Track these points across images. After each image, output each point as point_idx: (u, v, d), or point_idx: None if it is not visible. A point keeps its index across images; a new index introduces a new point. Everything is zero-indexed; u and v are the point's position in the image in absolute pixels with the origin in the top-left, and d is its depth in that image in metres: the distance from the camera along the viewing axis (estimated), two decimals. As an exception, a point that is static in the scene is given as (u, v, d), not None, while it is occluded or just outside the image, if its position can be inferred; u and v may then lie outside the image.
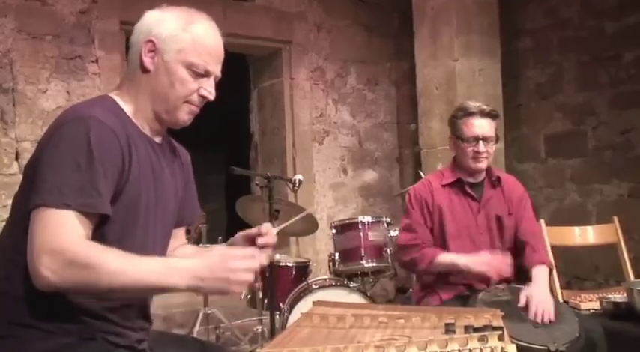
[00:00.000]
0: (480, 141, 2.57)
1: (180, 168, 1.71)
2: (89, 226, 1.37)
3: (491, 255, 2.47)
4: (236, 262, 1.38)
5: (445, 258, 2.53)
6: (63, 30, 4.20)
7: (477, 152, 2.57)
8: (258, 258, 1.43)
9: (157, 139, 1.60)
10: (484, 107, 2.65)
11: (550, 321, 2.20)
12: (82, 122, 1.39)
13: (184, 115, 1.56)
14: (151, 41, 1.51)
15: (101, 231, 1.41)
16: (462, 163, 2.66)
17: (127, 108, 1.54)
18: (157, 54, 1.52)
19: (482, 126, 2.58)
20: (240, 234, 1.71)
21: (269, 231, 1.65)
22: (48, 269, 1.28)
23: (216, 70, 1.57)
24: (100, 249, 1.33)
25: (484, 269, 2.43)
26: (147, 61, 1.52)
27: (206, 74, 1.54)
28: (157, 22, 1.54)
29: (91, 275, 1.30)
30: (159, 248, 1.60)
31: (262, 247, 1.63)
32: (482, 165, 2.62)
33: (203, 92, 1.54)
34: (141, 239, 1.50)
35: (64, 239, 1.31)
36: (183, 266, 1.37)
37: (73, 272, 1.29)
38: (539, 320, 2.22)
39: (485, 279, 2.54)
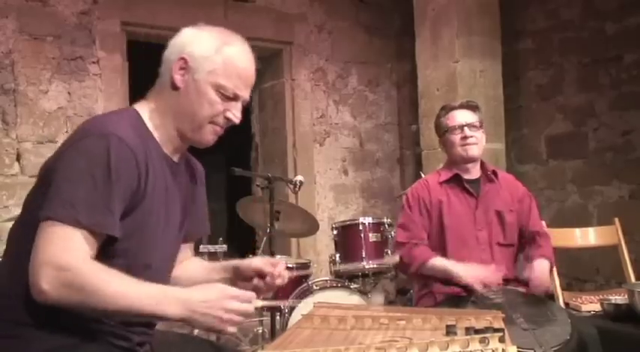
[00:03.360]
0: (465, 127, 2.64)
1: (193, 183, 1.71)
2: (95, 245, 1.37)
3: (483, 269, 2.46)
4: (233, 303, 1.38)
5: (438, 262, 2.53)
6: (64, 31, 4.21)
7: (464, 137, 2.64)
8: (254, 303, 1.43)
9: (175, 158, 1.60)
10: (462, 101, 2.80)
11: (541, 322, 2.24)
12: (103, 139, 1.38)
13: (209, 135, 1.56)
14: (183, 59, 1.51)
15: (110, 248, 1.41)
16: (454, 157, 2.70)
17: (151, 123, 1.54)
18: (187, 72, 1.51)
19: (463, 115, 2.68)
20: (254, 265, 1.68)
21: (282, 275, 1.65)
22: (47, 284, 1.29)
23: (245, 94, 1.57)
24: (100, 272, 1.33)
25: (473, 282, 2.42)
26: (177, 78, 1.52)
27: (234, 98, 1.54)
28: (191, 41, 1.54)
29: (88, 297, 1.31)
30: (167, 265, 1.61)
31: (267, 285, 1.64)
32: (474, 151, 2.65)
33: (229, 115, 1.54)
34: (149, 256, 1.51)
35: (69, 257, 1.31)
36: (180, 296, 1.37)
37: (71, 292, 1.30)
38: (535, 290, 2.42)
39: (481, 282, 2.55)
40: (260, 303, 1.49)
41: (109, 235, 1.39)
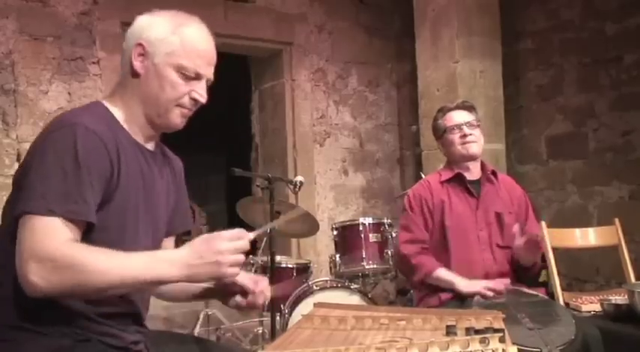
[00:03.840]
0: (464, 126, 2.66)
1: (173, 176, 1.70)
2: (77, 232, 1.37)
3: (488, 282, 2.48)
4: (223, 243, 1.37)
5: (443, 274, 2.55)
6: (64, 31, 4.21)
7: (464, 136, 2.66)
8: (245, 237, 1.42)
9: (149, 146, 1.59)
10: (458, 102, 2.84)
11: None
12: (68, 129, 1.39)
13: (176, 118, 1.55)
14: (140, 45, 1.51)
15: (89, 239, 1.40)
16: (454, 156, 2.71)
17: (119, 114, 1.53)
18: (146, 58, 1.51)
19: (460, 115, 2.71)
20: (239, 281, 1.61)
21: (264, 292, 1.58)
22: (36, 276, 1.28)
23: (208, 72, 1.56)
24: (86, 250, 1.32)
25: (478, 291, 2.45)
26: (137, 64, 1.51)
27: (197, 77, 1.53)
28: (147, 26, 1.53)
29: (80, 276, 1.29)
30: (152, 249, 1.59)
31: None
32: (474, 149, 2.67)
33: (194, 95, 1.53)
34: (130, 247, 1.48)
35: (51, 245, 1.30)
36: (171, 256, 1.37)
37: (61, 275, 1.29)
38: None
39: (484, 276, 2.57)
40: (252, 235, 1.46)
41: (89, 224, 1.39)
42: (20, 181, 1.40)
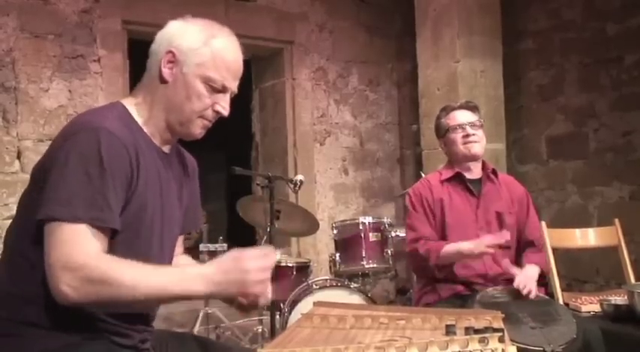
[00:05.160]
0: (467, 126, 2.66)
1: (187, 177, 1.71)
2: (104, 239, 1.37)
3: (487, 237, 2.47)
4: (250, 262, 1.37)
5: (450, 247, 2.52)
6: (65, 29, 4.21)
7: (466, 136, 2.66)
8: (272, 256, 1.42)
9: (166, 149, 1.60)
10: (462, 101, 2.85)
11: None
12: (92, 133, 1.38)
13: (197, 129, 1.56)
14: (171, 52, 1.51)
15: (109, 241, 1.40)
16: (456, 156, 2.70)
17: (139, 116, 1.54)
18: (176, 65, 1.51)
19: (464, 115, 2.71)
20: None
21: (266, 295, 1.53)
22: (68, 286, 1.29)
23: (233, 86, 1.57)
24: (117, 263, 1.33)
25: (485, 249, 2.42)
26: (166, 71, 1.52)
27: (222, 90, 1.54)
28: (179, 33, 1.54)
29: (111, 289, 1.30)
30: (164, 257, 1.60)
31: None
32: (476, 149, 2.67)
33: (217, 107, 1.54)
34: (145, 249, 1.50)
35: (81, 254, 1.31)
36: (198, 272, 1.37)
37: (93, 288, 1.30)
38: (523, 291, 2.37)
39: (483, 275, 2.55)
40: (279, 254, 1.46)
41: (112, 230, 1.39)
42: (41, 180, 1.40)
